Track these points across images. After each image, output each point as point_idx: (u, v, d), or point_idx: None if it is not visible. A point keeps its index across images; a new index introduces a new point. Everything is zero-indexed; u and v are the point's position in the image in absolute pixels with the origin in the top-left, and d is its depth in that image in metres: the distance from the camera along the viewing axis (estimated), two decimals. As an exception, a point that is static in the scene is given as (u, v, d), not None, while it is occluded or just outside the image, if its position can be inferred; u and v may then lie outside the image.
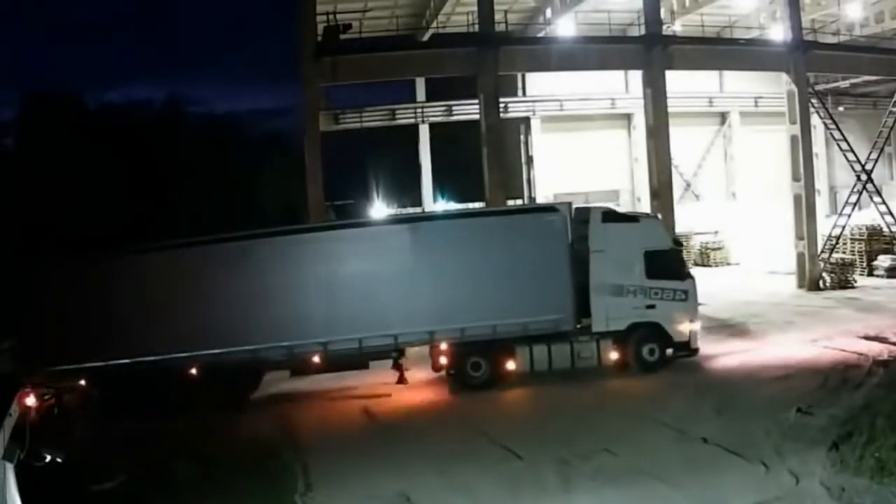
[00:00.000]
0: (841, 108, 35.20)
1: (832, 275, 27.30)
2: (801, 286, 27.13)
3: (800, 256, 27.47)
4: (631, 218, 18.81)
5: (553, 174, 33.83)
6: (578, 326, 16.79)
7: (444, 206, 34.38)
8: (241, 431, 14.51)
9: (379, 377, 17.01)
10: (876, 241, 29.42)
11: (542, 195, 33.61)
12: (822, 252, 28.32)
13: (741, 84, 34.49)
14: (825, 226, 29.57)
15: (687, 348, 17.07)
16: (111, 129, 42.50)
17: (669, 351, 17.05)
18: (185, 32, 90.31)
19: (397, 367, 16.88)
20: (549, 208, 18.41)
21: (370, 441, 13.87)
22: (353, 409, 16.00)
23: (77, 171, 37.87)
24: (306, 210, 24.48)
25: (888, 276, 28.04)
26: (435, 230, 17.59)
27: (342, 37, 24.53)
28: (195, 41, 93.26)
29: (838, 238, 29.11)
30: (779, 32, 29.27)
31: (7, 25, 78.32)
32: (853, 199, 29.55)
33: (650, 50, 25.76)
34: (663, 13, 28.71)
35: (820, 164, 33.45)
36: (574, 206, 17.89)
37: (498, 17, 26.24)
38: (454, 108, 33.33)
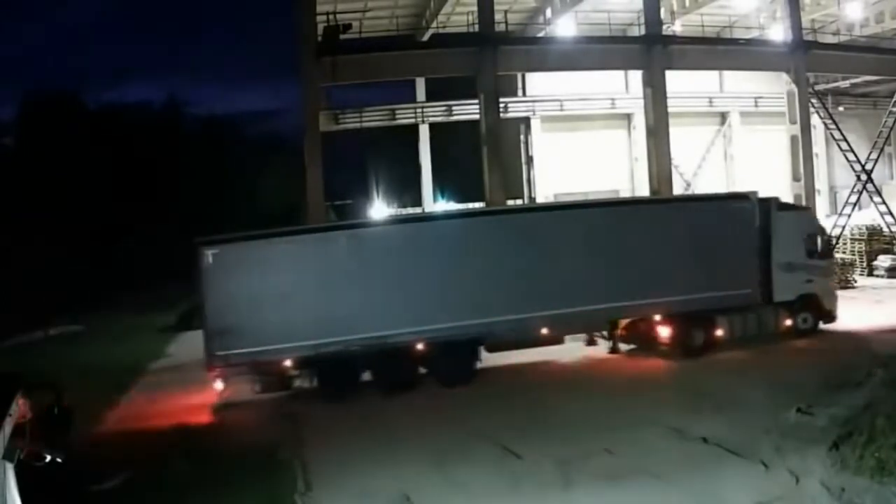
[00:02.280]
0: (841, 108, 35.19)
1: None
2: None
3: (800, 256, 27.46)
4: (794, 207, 21.40)
5: (553, 174, 33.79)
6: (762, 302, 19.03)
7: (443, 206, 34.33)
8: (242, 431, 14.52)
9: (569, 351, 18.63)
10: (876, 241, 29.40)
11: (542, 195, 33.59)
12: (822, 252, 28.31)
13: (741, 84, 34.47)
14: (825, 226, 29.54)
15: (830, 316, 19.83)
16: (111, 129, 42.57)
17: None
18: (185, 33, 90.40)
19: (612, 337, 18.95)
20: (741, 196, 20.08)
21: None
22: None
23: (77, 170, 37.92)
24: (306, 210, 24.48)
25: (888, 276, 28.04)
26: (650, 213, 19.79)
27: (342, 37, 24.52)
28: (195, 41, 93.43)
29: (838, 238, 29.10)
30: (779, 32, 29.30)
31: (7, 25, 78.33)
32: (853, 199, 29.55)
33: (650, 50, 25.78)
34: (663, 13, 28.73)
35: (820, 164, 33.45)
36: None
37: (498, 17, 26.28)
38: (454, 108, 33.29)
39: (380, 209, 35.20)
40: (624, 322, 18.72)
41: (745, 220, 19.03)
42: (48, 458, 6.82)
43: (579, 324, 18.11)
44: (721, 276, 18.42)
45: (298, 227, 17.70)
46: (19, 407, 6.82)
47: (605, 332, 19.09)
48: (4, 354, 22.04)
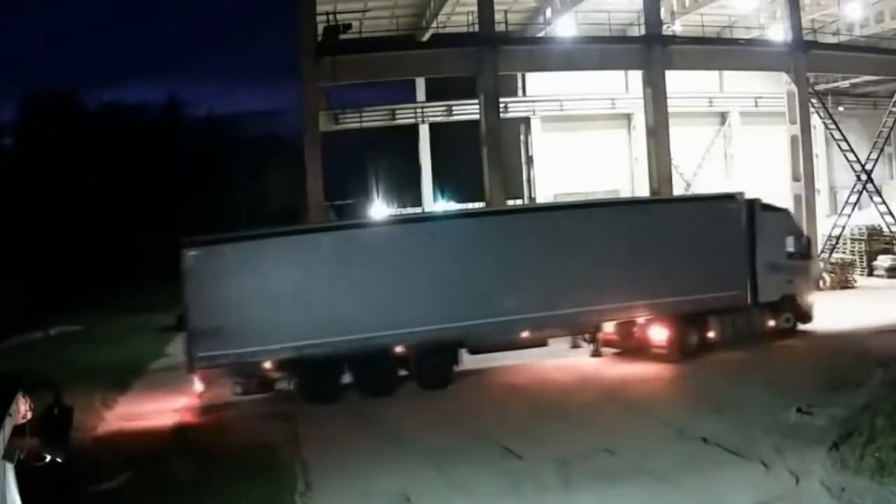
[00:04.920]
0: (841, 108, 35.15)
1: (832, 275, 27.28)
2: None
3: (800, 256, 27.46)
4: (776, 208, 20.90)
5: (553, 174, 33.76)
6: (749, 302, 18.98)
7: (444, 205, 34.31)
8: (242, 431, 14.51)
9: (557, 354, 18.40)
10: (876, 241, 29.40)
11: (542, 195, 33.57)
12: (822, 252, 28.32)
13: (741, 84, 34.43)
14: (825, 226, 29.57)
15: (808, 316, 19.87)
16: (110, 129, 42.57)
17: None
18: (185, 33, 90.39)
19: (594, 341, 18.62)
20: (729, 196, 20.09)
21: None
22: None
23: (76, 170, 37.93)
24: (306, 210, 24.47)
25: (888, 276, 28.02)
26: (638, 213, 19.65)
27: (342, 37, 24.49)
28: (195, 42, 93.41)
29: (838, 238, 29.10)
30: (779, 32, 29.30)
31: (7, 26, 78.31)
32: (853, 199, 29.55)
33: (650, 50, 25.77)
34: (663, 13, 28.69)
35: (820, 164, 33.41)
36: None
37: (498, 17, 26.26)
38: (454, 108, 33.26)
39: (380, 209, 35.18)
40: (611, 325, 18.32)
41: (732, 221, 19.00)
42: (48, 458, 6.81)
43: (562, 327, 17.94)
44: (710, 278, 18.30)
45: (279, 229, 17.40)
46: (19, 407, 6.82)
47: (587, 336, 18.77)
48: (4, 354, 22.02)
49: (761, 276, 19.08)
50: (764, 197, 20.32)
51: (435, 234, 17.47)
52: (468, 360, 17.24)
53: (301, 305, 15.93)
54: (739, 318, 18.77)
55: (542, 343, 17.85)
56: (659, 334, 18.15)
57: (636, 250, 17.74)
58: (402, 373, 16.81)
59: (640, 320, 18.19)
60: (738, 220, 19.03)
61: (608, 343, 18.91)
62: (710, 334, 18.48)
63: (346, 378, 16.53)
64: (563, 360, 18.47)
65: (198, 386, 16.12)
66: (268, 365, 16.00)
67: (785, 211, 21.19)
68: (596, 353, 18.74)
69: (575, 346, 19.20)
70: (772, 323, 19.37)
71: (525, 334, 17.21)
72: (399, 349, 16.50)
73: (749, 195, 19.84)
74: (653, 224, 18.44)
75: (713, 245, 18.53)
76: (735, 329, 18.70)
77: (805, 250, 20.41)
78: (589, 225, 18.06)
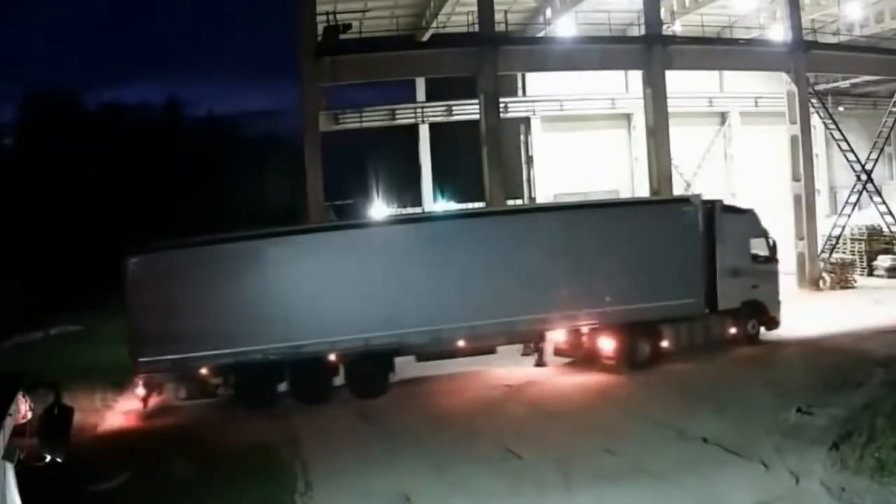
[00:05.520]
0: (841, 108, 35.15)
1: (832, 275, 27.29)
2: (801, 286, 27.13)
3: (800, 256, 27.48)
4: (739, 210, 20.36)
5: (553, 174, 33.75)
6: (707, 311, 18.27)
7: (444, 205, 34.31)
8: (241, 430, 14.51)
9: (508, 363, 17.70)
10: (876, 241, 29.41)
11: (542, 195, 33.57)
12: (822, 252, 28.32)
13: (741, 84, 34.42)
14: (825, 226, 29.57)
15: (774, 322, 19.28)
16: (110, 129, 42.54)
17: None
18: (185, 33, 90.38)
19: (538, 350, 17.87)
20: (684, 200, 19.70)
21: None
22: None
23: (77, 171, 37.89)
24: (306, 210, 24.46)
25: (888, 276, 28.03)
26: (582, 218, 18.54)
27: (342, 37, 24.47)
28: (195, 42, 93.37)
29: (838, 238, 29.11)
30: (779, 32, 29.28)
31: (7, 26, 78.33)
32: (853, 199, 29.55)
33: (650, 50, 25.75)
34: (663, 13, 28.68)
35: (820, 164, 33.41)
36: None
37: (498, 17, 26.23)
38: (454, 108, 33.25)
39: (379, 209, 35.17)
40: (561, 334, 17.76)
41: (688, 225, 18.13)
42: (48, 458, 6.81)
43: (501, 337, 17.09)
44: (663, 285, 17.53)
45: (215, 237, 17.19)
46: (19, 407, 6.82)
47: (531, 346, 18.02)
48: (4, 354, 22.00)
49: (722, 282, 18.37)
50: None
51: (365, 242, 17.11)
52: (418, 367, 17.03)
53: (235, 312, 15.91)
54: (697, 326, 18.03)
55: (489, 350, 17.23)
56: (607, 344, 17.46)
57: (581, 257, 17.13)
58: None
59: (587, 330, 17.55)
60: (693, 225, 18.15)
61: (561, 352, 18.23)
62: (664, 344, 17.68)
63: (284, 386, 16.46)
64: (504, 371, 17.67)
65: (140, 391, 16.28)
66: (205, 371, 16.08)
67: (749, 212, 20.12)
68: (540, 363, 17.97)
69: (526, 353, 18.26)
70: (733, 331, 18.63)
71: (460, 343, 16.71)
72: (332, 357, 16.31)
73: (710, 197, 19.12)
74: (600, 229, 17.64)
75: (666, 251, 17.69)
76: (692, 338, 17.95)
77: (772, 254, 19.62)
78: (530, 231, 17.48)
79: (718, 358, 17.70)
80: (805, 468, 10.72)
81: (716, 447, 11.94)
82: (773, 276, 19.45)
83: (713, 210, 18.71)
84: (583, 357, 18.00)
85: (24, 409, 6.83)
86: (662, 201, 21.69)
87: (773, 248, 19.70)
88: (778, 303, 19.37)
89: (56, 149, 38.80)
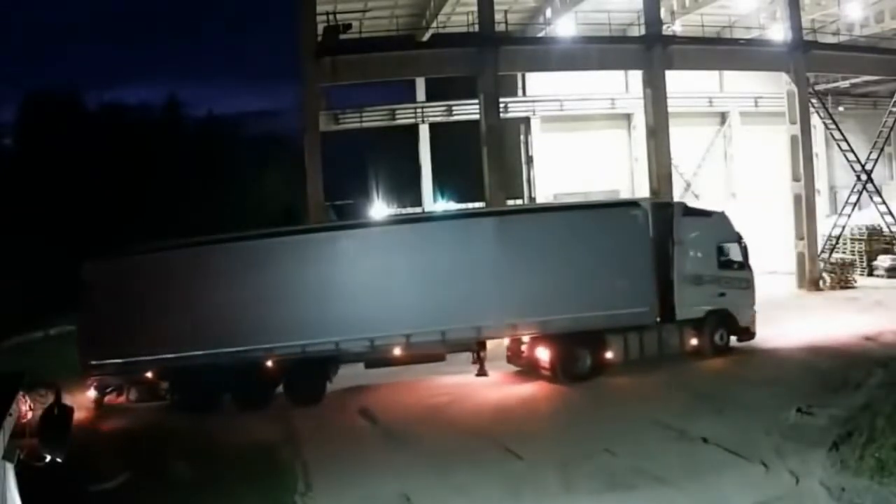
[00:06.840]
0: (841, 108, 35.12)
1: (832, 275, 27.30)
2: (801, 286, 27.13)
3: (800, 256, 27.49)
4: (705, 213, 19.41)
5: (553, 174, 33.73)
6: (658, 319, 17.37)
7: (444, 206, 34.30)
8: (241, 431, 14.51)
9: (454, 372, 17.42)
10: (876, 241, 29.43)
11: (542, 195, 33.56)
12: (822, 252, 28.32)
13: (741, 84, 34.40)
14: (825, 226, 29.56)
15: (747, 333, 18.18)
16: (111, 129, 42.49)
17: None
18: (185, 33, 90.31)
19: (478, 359, 17.30)
20: (631, 203, 19.04)
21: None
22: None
23: (76, 171, 37.85)
24: (306, 210, 24.46)
25: (888, 276, 28.03)
26: (518, 223, 18.03)
27: (342, 37, 24.48)
28: (195, 41, 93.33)
29: (838, 238, 29.11)
30: (779, 32, 29.27)
31: (7, 26, 78.30)
32: (853, 199, 29.56)
33: (650, 50, 25.75)
34: (663, 13, 28.68)
35: (820, 164, 33.37)
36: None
37: (498, 17, 26.23)
38: (454, 108, 33.23)
39: (379, 209, 35.16)
40: (504, 343, 17.54)
41: (635, 230, 17.29)
42: (48, 458, 6.81)
43: (437, 345, 16.67)
44: (610, 293, 16.91)
45: (160, 244, 17.32)
46: (19, 407, 6.82)
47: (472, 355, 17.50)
48: (4, 354, 22.01)
49: (680, 290, 17.53)
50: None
51: (300, 250, 16.94)
52: (365, 374, 17.10)
53: (177, 317, 16.04)
54: (649, 336, 17.11)
55: (437, 358, 17.01)
56: (544, 354, 16.95)
57: (518, 264, 16.74)
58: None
59: (525, 339, 17.15)
60: (642, 230, 17.32)
61: (511, 361, 17.86)
62: (609, 355, 16.93)
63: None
64: (445, 379, 17.44)
65: (91, 393, 16.46)
66: (150, 374, 16.29)
67: (717, 215, 18.95)
68: (481, 373, 17.37)
69: (475, 361, 17.59)
70: (694, 342, 17.65)
71: (396, 352, 16.55)
72: (269, 363, 16.33)
73: (671, 199, 18.64)
74: (538, 235, 17.12)
75: (612, 258, 17.04)
76: (643, 349, 17.04)
77: (744, 259, 18.39)
78: (464, 237, 17.16)
79: (665, 371, 16.73)
80: (806, 469, 10.72)
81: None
82: (743, 283, 18.21)
83: (671, 213, 17.90)
84: (526, 367, 17.53)
85: (24, 409, 6.84)
86: (607, 205, 20.80)
87: (745, 254, 18.47)
88: (751, 312, 18.20)
89: (56, 149, 38.74)
